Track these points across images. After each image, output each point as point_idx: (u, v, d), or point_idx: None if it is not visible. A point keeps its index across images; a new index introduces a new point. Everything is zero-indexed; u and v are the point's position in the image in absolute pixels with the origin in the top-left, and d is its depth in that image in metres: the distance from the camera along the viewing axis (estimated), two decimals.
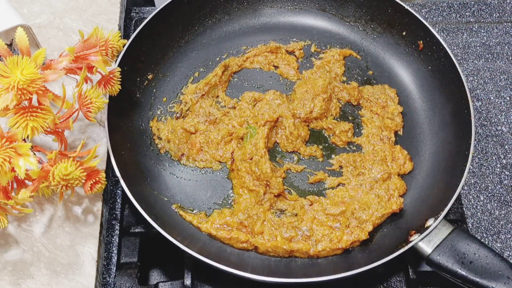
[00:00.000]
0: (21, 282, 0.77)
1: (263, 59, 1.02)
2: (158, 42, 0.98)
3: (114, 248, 0.86)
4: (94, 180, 0.75)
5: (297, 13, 1.07)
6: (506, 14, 1.12)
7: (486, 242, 0.88)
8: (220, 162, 0.91)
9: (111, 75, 0.80)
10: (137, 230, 0.85)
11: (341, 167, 0.91)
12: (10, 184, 0.72)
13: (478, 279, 0.71)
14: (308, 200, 0.87)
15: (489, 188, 0.93)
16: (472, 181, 0.94)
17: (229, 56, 1.02)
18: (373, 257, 0.77)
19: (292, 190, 0.88)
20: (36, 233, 0.81)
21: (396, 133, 0.94)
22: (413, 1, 1.17)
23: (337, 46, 1.04)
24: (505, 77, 1.04)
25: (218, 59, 1.02)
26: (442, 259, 0.73)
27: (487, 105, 1.02)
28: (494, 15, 1.12)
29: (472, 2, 1.13)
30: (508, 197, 0.92)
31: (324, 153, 0.92)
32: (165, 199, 0.87)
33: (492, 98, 1.02)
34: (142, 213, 0.76)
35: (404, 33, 1.00)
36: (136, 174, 0.87)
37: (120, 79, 0.81)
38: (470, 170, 0.94)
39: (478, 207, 0.92)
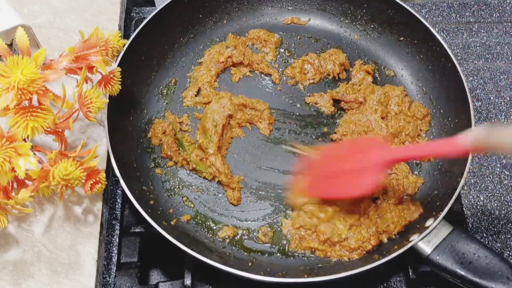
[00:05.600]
0: (22, 282, 0.77)
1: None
2: (158, 42, 0.98)
3: (114, 248, 0.86)
4: (94, 180, 0.75)
5: (297, 13, 1.07)
6: (506, 14, 1.11)
7: (486, 242, 0.88)
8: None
9: (112, 75, 0.80)
10: (137, 230, 0.86)
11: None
12: (10, 184, 0.72)
13: (477, 279, 0.71)
14: None
15: (489, 188, 0.93)
16: (472, 181, 0.94)
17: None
18: (372, 257, 0.77)
19: None
20: (36, 233, 0.81)
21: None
22: (413, 1, 1.17)
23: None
24: (505, 77, 1.04)
25: None
26: (441, 259, 0.73)
27: (487, 105, 1.02)
28: (494, 15, 1.12)
29: (472, 2, 1.13)
30: (508, 197, 0.92)
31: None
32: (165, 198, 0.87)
33: (492, 98, 1.02)
34: (142, 213, 0.76)
35: (401, 39, 1.00)
36: (136, 174, 0.87)
37: (120, 79, 0.81)
38: (470, 170, 0.94)
39: (478, 207, 0.92)
